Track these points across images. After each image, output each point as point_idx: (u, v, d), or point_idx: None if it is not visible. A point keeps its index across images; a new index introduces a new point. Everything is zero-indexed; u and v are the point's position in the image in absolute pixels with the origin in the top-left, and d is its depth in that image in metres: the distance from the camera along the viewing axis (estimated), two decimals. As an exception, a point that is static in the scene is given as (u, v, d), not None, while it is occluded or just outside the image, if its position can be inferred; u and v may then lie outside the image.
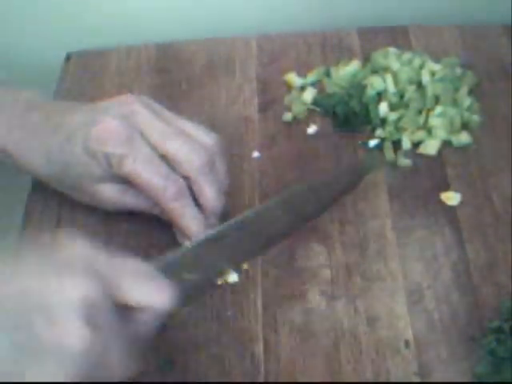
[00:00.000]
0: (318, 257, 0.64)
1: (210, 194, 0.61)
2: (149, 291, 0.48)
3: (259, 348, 0.58)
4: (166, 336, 0.59)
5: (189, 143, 0.60)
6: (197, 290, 0.57)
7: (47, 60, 0.87)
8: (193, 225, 0.60)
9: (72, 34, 0.88)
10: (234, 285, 0.62)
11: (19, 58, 0.85)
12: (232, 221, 0.59)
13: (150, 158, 0.59)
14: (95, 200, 0.64)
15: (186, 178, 0.61)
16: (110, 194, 0.63)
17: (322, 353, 0.58)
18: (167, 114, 0.62)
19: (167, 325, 0.59)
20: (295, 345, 0.58)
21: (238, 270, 0.62)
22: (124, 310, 0.47)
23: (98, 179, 0.62)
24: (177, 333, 0.60)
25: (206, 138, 0.61)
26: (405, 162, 0.70)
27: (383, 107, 0.73)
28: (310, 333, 0.59)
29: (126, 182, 0.61)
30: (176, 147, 0.60)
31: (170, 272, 0.52)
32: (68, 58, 0.85)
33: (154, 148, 0.60)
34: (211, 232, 0.58)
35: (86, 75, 0.83)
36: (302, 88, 0.78)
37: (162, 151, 0.60)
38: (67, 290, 0.44)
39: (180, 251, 0.57)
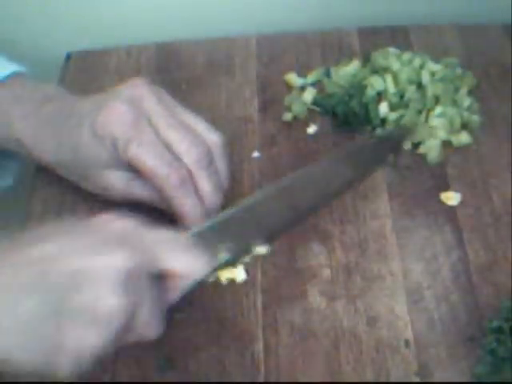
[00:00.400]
0: (318, 257, 0.64)
1: (207, 189, 0.61)
2: (184, 260, 0.52)
3: (259, 348, 0.58)
4: (166, 336, 0.59)
5: (190, 136, 0.61)
6: (228, 260, 0.59)
7: (47, 60, 0.87)
8: (192, 214, 0.61)
9: (72, 34, 0.88)
10: (233, 285, 0.62)
11: (19, 58, 0.85)
12: (262, 192, 0.62)
13: (154, 144, 0.60)
14: (102, 188, 0.64)
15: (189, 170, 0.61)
16: (116, 181, 0.63)
17: (322, 353, 0.58)
18: (175, 104, 0.63)
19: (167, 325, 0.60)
20: (295, 345, 0.58)
21: (267, 242, 0.63)
22: (157, 277, 0.51)
23: (105, 165, 0.62)
24: (177, 333, 0.60)
25: (208, 133, 0.62)
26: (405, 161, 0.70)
27: (383, 107, 0.73)
28: (310, 333, 0.59)
29: (132, 170, 0.62)
30: (177, 138, 0.60)
31: (203, 242, 0.55)
32: (68, 57, 0.86)
33: (158, 135, 0.60)
34: (246, 201, 0.60)
35: (86, 75, 0.83)
36: (302, 88, 0.78)
37: (165, 140, 0.60)
38: (107, 259, 0.48)
39: (212, 221, 0.58)
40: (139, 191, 0.63)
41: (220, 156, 0.62)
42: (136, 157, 0.60)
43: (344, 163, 0.68)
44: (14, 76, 0.67)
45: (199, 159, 0.60)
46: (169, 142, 0.60)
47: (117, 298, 0.47)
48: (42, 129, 0.64)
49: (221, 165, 0.62)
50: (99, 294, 0.47)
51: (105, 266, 0.47)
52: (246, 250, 0.62)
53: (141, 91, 0.62)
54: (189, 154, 0.60)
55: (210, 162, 0.61)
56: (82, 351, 0.47)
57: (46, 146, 0.64)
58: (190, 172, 0.61)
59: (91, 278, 0.47)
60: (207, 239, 0.57)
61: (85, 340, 0.47)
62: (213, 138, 0.62)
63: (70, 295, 0.46)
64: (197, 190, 0.61)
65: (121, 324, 0.48)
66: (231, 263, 0.61)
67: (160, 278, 0.51)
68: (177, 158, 0.60)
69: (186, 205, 0.60)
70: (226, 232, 0.58)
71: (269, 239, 0.63)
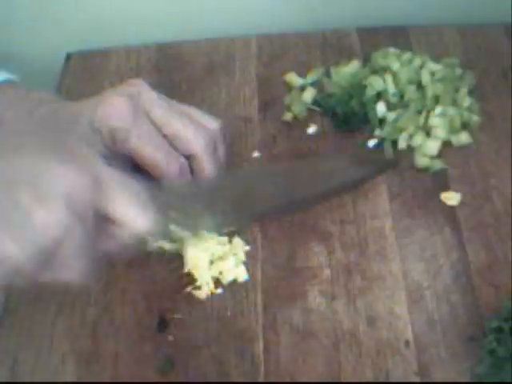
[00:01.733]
0: (317, 257, 0.64)
1: (212, 173, 0.62)
2: (132, 210, 0.51)
3: (259, 348, 0.58)
4: (166, 336, 0.59)
5: (193, 124, 0.62)
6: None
7: (47, 60, 0.87)
8: None
9: (72, 34, 0.88)
10: (234, 285, 0.62)
11: (19, 58, 0.85)
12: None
13: (153, 135, 0.61)
14: None
15: (187, 159, 0.62)
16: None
17: (321, 353, 0.58)
18: (170, 99, 0.64)
19: (167, 325, 0.60)
20: (295, 345, 0.58)
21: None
22: (102, 221, 0.50)
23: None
24: (177, 333, 0.60)
25: (208, 120, 0.64)
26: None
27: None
28: (310, 333, 0.59)
29: (128, 164, 0.62)
30: (179, 127, 0.61)
31: (158, 202, 0.54)
32: (68, 57, 0.86)
33: (157, 127, 0.61)
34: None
35: (86, 75, 0.83)
36: (302, 88, 0.78)
37: (166, 130, 0.61)
38: (61, 176, 0.47)
39: (179, 184, 0.60)
40: None
41: (220, 141, 0.64)
42: (135, 147, 0.60)
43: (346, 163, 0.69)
44: (5, 84, 0.67)
45: (207, 145, 0.62)
46: (170, 131, 0.61)
47: (57, 208, 0.46)
48: (35, 129, 0.63)
49: (221, 149, 0.64)
50: (41, 198, 0.46)
51: (56, 173, 0.47)
52: (195, 227, 0.62)
53: (138, 88, 0.62)
54: (197, 141, 0.61)
55: (214, 147, 0.63)
56: (7, 253, 0.45)
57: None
58: (189, 161, 0.62)
59: (38, 181, 0.47)
60: (162, 201, 0.56)
61: (13, 241, 0.45)
62: (213, 124, 0.63)
63: (12, 191, 0.46)
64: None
65: (52, 240, 0.46)
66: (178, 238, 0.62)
67: (102, 223, 0.51)
68: (175, 149, 0.61)
69: None
70: (181, 200, 0.59)
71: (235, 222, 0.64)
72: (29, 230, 0.46)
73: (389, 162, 0.71)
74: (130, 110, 0.61)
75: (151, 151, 0.60)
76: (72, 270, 0.49)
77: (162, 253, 0.64)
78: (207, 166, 0.62)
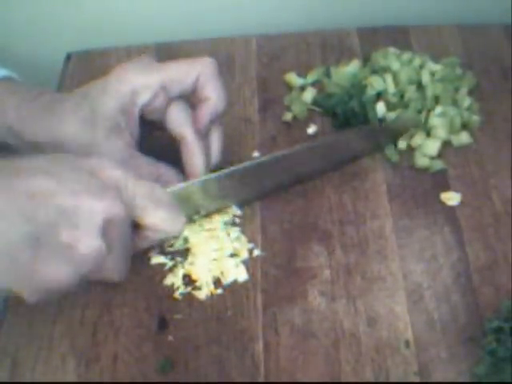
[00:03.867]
0: (318, 257, 0.64)
1: (219, 146, 0.66)
2: (161, 216, 0.57)
3: (259, 348, 0.58)
4: (166, 336, 0.59)
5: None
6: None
7: (47, 60, 0.87)
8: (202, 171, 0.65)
9: (72, 34, 0.88)
10: (234, 285, 0.62)
11: (19, 58, 0.85)
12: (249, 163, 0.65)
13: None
14: None
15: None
16: (120, 149, 0.63)
17: (321, 353, 0.58)
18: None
19: (167, 325, 0.60)
20: (295, 345, 0.58)
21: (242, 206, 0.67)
22: (135, 226, 0.56)
23: (107, 136, 0.63)
24: (177, 333, 0.60)
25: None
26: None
27: (380, 107, 0.73)
28: (310, 333, 0.59)
29: (131, 143, 0.64)
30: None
31: (182, 200, 0.60)
32: (68, 57, 0.86)
33: None
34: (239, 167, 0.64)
35: (86, 75, 0.82)
36: (302, 88, 0.78)
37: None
38: (94, 203, 0.51)
39: (193, 182, 0.63)
40: (131, 170, 0.63)
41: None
42: (161, 104, 0.63)
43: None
44: (4, 80, 0.67)
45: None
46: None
47: (96, 241, 0.51)
48: (36, 113, 0.64)
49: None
50: (81, 235, 0.51)
51: (91, 209, 0.51)
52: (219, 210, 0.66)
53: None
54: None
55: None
56: (52, 284, 0.51)
57: (38, 127, 0.64)
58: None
59: (76, 218, 0.51)
60: (186, 199, 0.62)
61: (57, 275, 0.50)
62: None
63: (53, 230, 0.50)
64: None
65: (93, 266, 0.52)
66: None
67: (134, 226, 0.56)
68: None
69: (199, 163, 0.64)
70: (205, 194, 0.63)
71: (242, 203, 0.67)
72: (71, 264, 0.51)
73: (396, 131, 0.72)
74: (144, 68, 0.63)
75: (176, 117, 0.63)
76: (115, 273, 0.56)
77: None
78: (215, 136, 0.65)
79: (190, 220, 0.64)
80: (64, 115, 0.63)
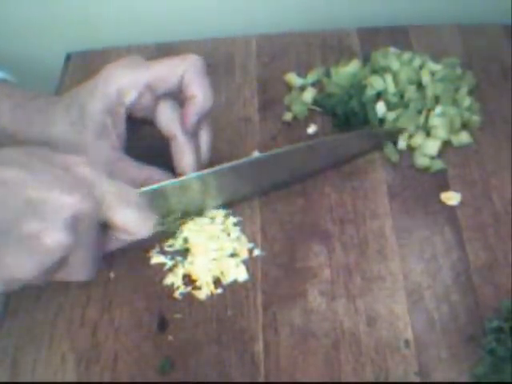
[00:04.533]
0: (318, 257, 0.64)
1: (208, 144, 0.66)
2: (130, 218, 0.56)
3: (259, 348, 0.58)
4: (166, 336, 0.59)
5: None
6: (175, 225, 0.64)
7: (47, 60, 0.87)
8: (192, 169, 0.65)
9: (72, 34, 0.88)
10: (234, 285, 0.62)
11: (19, 58, 0.85)
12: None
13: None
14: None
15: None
16: (101, 153, 0.64)
17: (321, 353, 0.58)
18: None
19: (167, 325, 0.60)
20: (295, 345, 0.58)
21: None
22: (101, 225, 0.55)
23: (94, 138, 0.63)
24: (177, 333, 0.60)
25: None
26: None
27: (380, 107, 0.73)
28: (310, 333, 0.59)
29: (121, 141, 0.64)
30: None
31: (152, 202, 0.59)
32: (68, 57, 0.86)
33: None
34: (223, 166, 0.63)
35: (86, 75, 0.82)
36: (302, 88, 0.78)
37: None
38: (63, 197, 0.51)
39: (165, 184, 0.61)
40: (119, 171, 0.63)
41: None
42: (150, 103, 0.63)
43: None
44: (0, 82, 0.68)
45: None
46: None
47: (62, 234, 0.51)
48: (31, 115, 0.64)
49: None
50: (47, 227, 0.50)
51: (59, 202, 0.51)
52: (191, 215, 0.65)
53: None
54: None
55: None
56: (15, 275, 0.51)
57: (31, 129, 0.64)
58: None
59: (44, 210, 0.50)
60: (157, 201, 0.60)
61: (21, 266, 0.50)
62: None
63: (20, 221, 0.50)
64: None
65: (57, 259, 0.51)
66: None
67: (104, 226, 0.56)
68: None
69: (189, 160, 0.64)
70: (175, 197, 0.62)
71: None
72: (35, 255, 0.51)
73: (388, 134, 0.72)
74: (130, 67, 0.63)
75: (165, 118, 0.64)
76: (80, 271, 0.55)
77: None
78: (204, 135, 0.65)
79: (172, 221, 0.63)
80: (55, 117, 0.63)
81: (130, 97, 0.63)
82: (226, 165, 0.63)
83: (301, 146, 0.68)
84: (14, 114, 0.64)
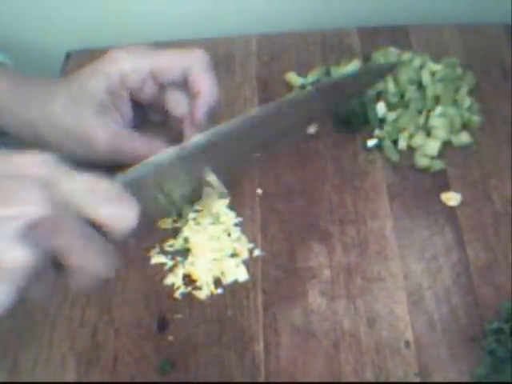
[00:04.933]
0: (318, 257, 0.64)
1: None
2: (110, 213, 0.48)
3: (259, 348, 0.58)
4: (166, 336, 0.59)
5: None
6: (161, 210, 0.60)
7: (47, 59, 0.87)
8: None
9: (72, 33, 0.88)
10: (234, 285, 0.62)
11: (19, 57, 0.85)
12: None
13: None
14: (86, 142, 0.64)
15: None
16: (102, 131, 0.64)
17: (322, 353, 0.58)
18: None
19: (167, 325, 0.60)
20: (295, 345, 0.58)
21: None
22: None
23: (96, 113, 0.63)
24: (177, 333, 0.60)
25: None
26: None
27: (380, 107, 0.73)
28: (310, 333, 0.59)
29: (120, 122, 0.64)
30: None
31: (130, 190, 0.50)
32: (68, 56, 0.86)
33: None
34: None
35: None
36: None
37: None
38: (12, 211, 0.44)
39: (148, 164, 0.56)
40: (128, 146, 0.63)
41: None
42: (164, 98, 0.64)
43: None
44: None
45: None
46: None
47: (18, 250, 0.44)
48: (33, 93, 0.65)
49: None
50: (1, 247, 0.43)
51: (7, 217, 0.44)
52: (174, 203, 0.61)
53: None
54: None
55: None
56: None
57: (33, 105, 0.64)
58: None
59: None
60: (135, 188, 0.53)
61: None
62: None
63: None
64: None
65: (27, 274, 0.44)
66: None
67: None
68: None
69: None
70: (155, 180, 0.57)
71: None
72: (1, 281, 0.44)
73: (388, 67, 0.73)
74: (135, 53, 0.64)
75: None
76: (99, 266, 0.49)
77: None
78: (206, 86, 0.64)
79: (177, 201, 0.61)
80: (56, 94, 0.64)
81: (132, 81, 0.63)
82: (220, 127, 0.60)
83: (298, 95, 0.68)
84: (13, 93, 0.64)
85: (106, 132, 0.64)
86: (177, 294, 0.62)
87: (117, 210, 0.49)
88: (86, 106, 0.63)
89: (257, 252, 0.64)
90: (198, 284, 0.62)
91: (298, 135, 0.69)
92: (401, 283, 0.62)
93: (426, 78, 0.74)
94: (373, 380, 0.56)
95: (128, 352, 0.59)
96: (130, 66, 0.63)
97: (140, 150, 0.62)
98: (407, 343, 0.58)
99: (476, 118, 0.73)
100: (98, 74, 0.63)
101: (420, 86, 0.74)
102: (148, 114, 0.67)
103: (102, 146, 0.64)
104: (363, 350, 0.58)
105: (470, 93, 0.75)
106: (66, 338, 0.60)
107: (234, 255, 0.64)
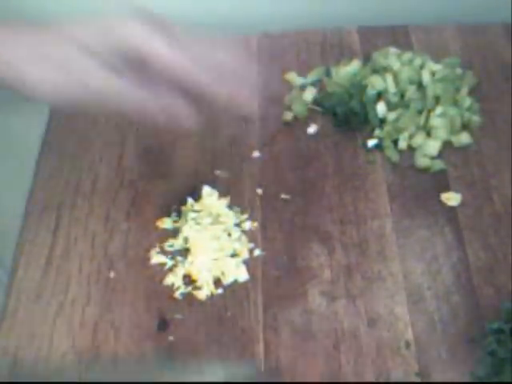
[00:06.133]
0: (318, 257, 0.64)
1: None
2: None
3: (259, 348, 0.58)
4: (166, 336, 0.59)
5: None
6: None
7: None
8: None
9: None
10: (234, 285, 0.62)
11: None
12: None
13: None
14: (100, 99, 0.60)
15: None
16: (118, 86, 0.59)
17: (322, 353, 0.58)
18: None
19: (167, 325, 0.60)
20: (295, 345, 0.58)
21: None
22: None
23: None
24: (177, 333, 0.60)
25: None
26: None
27: (381, 107, 0.73)
28: (311, 333, 0.59)
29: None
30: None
31: None
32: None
33: None
34: None
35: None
36: (303, 87, 0.78)
37: None
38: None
39: None
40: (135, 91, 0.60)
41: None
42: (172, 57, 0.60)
43: None
44: None
45: None
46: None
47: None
48: (37, 46, 0.61)
49: None
50: None
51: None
52: None
53: None
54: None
55: None
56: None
57: (38, 60, 0.60)
58: None
59: None
60: None
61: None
62: None
63: None
64: None
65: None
66: None
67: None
68: None
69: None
70: None
71: None
72: None
73: None
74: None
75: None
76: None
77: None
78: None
79: None
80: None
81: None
82: None
83: None
84: (19, 45, 0.60)
85: (99, 72, 0.59)
86: (177, 294, 0.62)
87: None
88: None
89: (257, 252, 0.64)
90: (197, 284, 0.62)
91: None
92: (401, 283, 0.62)
93: (426, 78, 0.74)
94: (373, 380, 0.56)
95: (128, 352, 0.59)
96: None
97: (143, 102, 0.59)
98: (407, 343, 0.58)
99: (476, 118, 0.73)
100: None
101: (420, 85, 0.74)
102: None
103: (114, 94, 0.59)
104: (363, 350, 0.58)
105: (470, 93, 0.75)
106: (66, 338, 0.60)
107: (234, 255, 0.64)
